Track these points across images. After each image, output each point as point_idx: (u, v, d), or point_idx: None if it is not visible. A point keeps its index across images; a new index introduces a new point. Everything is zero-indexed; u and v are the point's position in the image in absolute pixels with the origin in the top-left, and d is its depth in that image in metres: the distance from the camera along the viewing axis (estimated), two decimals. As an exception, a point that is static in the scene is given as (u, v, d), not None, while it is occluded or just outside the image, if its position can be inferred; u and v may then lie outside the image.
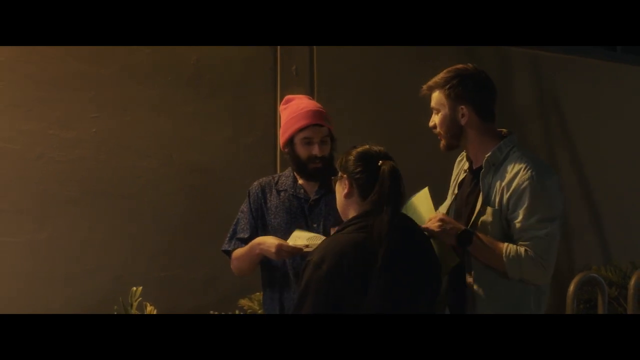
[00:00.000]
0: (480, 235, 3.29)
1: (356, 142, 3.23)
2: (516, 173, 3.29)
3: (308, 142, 3.68)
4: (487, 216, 3.32)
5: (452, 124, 3.41)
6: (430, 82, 3.47)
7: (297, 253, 3.47)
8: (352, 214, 3.17)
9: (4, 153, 4.54)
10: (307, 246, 3.44)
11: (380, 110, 5.77)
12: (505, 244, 3.26)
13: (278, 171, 5.14)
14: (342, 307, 2.98)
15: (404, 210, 3.30)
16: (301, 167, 3.71)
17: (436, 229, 3.26)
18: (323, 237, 3.45)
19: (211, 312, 4.65)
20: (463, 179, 3.57)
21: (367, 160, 3.14)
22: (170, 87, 5.03)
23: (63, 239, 4.67)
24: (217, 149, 5.16)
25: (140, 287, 4.33)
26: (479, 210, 3.35)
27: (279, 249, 3.49)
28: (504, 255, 3.24)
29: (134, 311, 4.25)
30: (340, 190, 3.20)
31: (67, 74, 4.71)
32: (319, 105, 3.80)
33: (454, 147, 3.49)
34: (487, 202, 3.34)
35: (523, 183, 3.25)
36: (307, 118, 3.70)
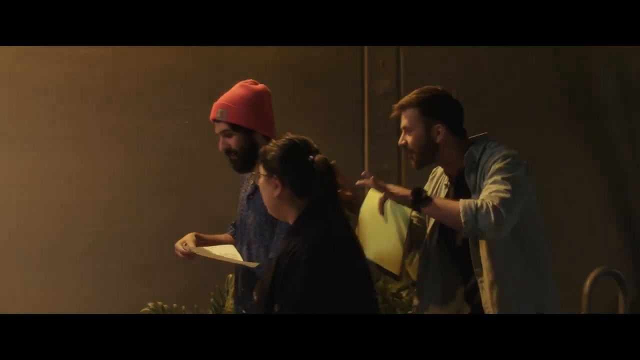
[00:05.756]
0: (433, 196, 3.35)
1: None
2: (491, 156, 3.37)
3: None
4: None
5: (427, 142, 3.47)
6: (403, 101, 3.51)
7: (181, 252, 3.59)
8: (290, 212, 3.03)
9: (97, 146, 4.69)
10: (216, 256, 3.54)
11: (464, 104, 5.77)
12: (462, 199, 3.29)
13: (366, 162, 5.21)
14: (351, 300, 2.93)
15: None
16: None
17: (392, 190, 3.30)
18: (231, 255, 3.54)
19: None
20: (447, 194, 3.55)
21: (296, 156, 3.00)
22: (259, 80, 5.11)
23: (155, 229, 4.80)
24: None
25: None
26: None
27: (176, 245, 3.62)
28: (460, 203, 3.22)
29: (229, 297, 4.35)
30: (270, 190, 3.03)
31: (160, 68, 4.86)
32: (227, 95, 3.65)
33: (426, 164, 3.55)
34: (474, 193, 3.38)
35: (497, 159, 3.33)
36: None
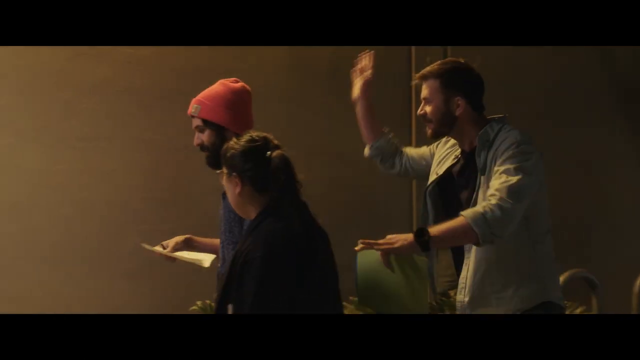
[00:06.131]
0: (431, 227, 3.31)
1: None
2: (505, 141, 3.38)
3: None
4: (484, 186, 3.40)
5: (445, 113, 3.51)
6: (424, 71, 3.56)
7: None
8: (252, 209, 3.07)
9: (151, 144, 4.72)
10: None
11: (518, 104, 5.72)
12: (460, 214, 3.23)
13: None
14: (296, 299, 2.90)
15: None
16: None
17: (395, 245, 3.21)
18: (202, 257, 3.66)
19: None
20: (454, 164, 3.60)
21: (254, 153, 3.04)
22: (307, 80, 5.12)
23: (207, 227, 4.80)
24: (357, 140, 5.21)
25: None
26: (479, 184, 3.43)
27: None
28: (465, 217, 3.20)
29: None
30: (232, 188, 3.10)
31: (210, 67, 4.88)
32: (205, 92, 3.72)
33: (443, 136, 3.59)
34: (483, 174, 3.42)
35: (510, 146, 3.35)
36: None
